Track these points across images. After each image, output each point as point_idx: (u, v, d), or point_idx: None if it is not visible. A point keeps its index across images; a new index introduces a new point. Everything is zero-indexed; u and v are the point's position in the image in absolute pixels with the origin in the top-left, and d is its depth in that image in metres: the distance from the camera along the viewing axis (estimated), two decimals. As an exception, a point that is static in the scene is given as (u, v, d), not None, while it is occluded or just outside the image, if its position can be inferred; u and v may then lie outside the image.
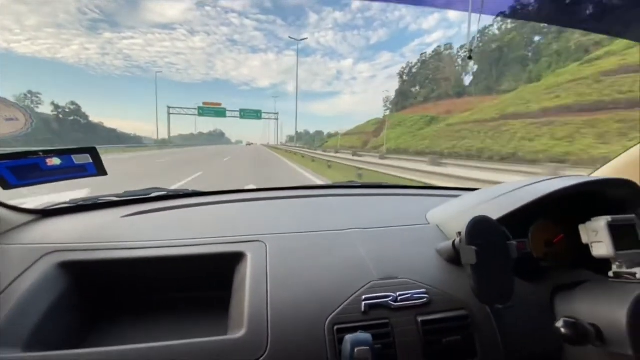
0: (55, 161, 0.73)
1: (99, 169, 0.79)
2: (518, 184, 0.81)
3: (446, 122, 30.44)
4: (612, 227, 0.64)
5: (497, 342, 0.60)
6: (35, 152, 0.71)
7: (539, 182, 0.78)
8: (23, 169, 0.70)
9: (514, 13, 0.74)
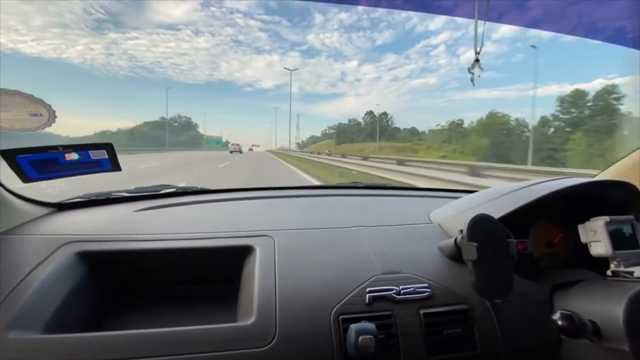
0: (73, 156, 0.76)
1: (113, 165, 0.82)
2: (520, 185, 0.83)
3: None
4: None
5: (496, 335, 0.62)
6: (55, 147, 0.74)
7: (540, 182, 0.80)
8: (43, 162, 0.74)
9: (517, 19, 0.77)
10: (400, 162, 12.79)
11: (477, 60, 0.65)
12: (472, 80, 0.66)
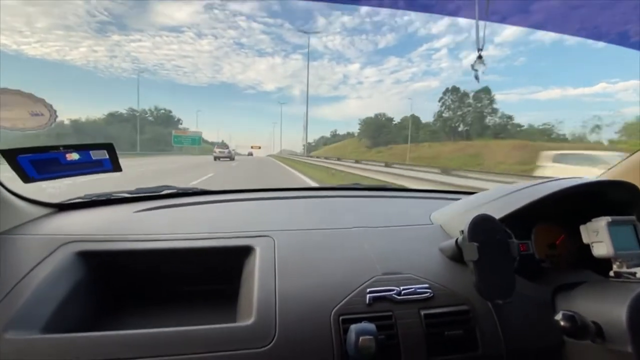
0: (74, 156, 0.77)
1: (114, 165, 0.82)
2: (521, 185, 0.83)
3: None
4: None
5: (498, 337, 0.61)
6: (56, 147, 0.74)
7: (541, 183, 0.80)
8: (44, 162, 0.74)
9: (519, 21, 0.78)
10: None
11: (480, 57, 0.65)
12: (476, 77, 0.66)
